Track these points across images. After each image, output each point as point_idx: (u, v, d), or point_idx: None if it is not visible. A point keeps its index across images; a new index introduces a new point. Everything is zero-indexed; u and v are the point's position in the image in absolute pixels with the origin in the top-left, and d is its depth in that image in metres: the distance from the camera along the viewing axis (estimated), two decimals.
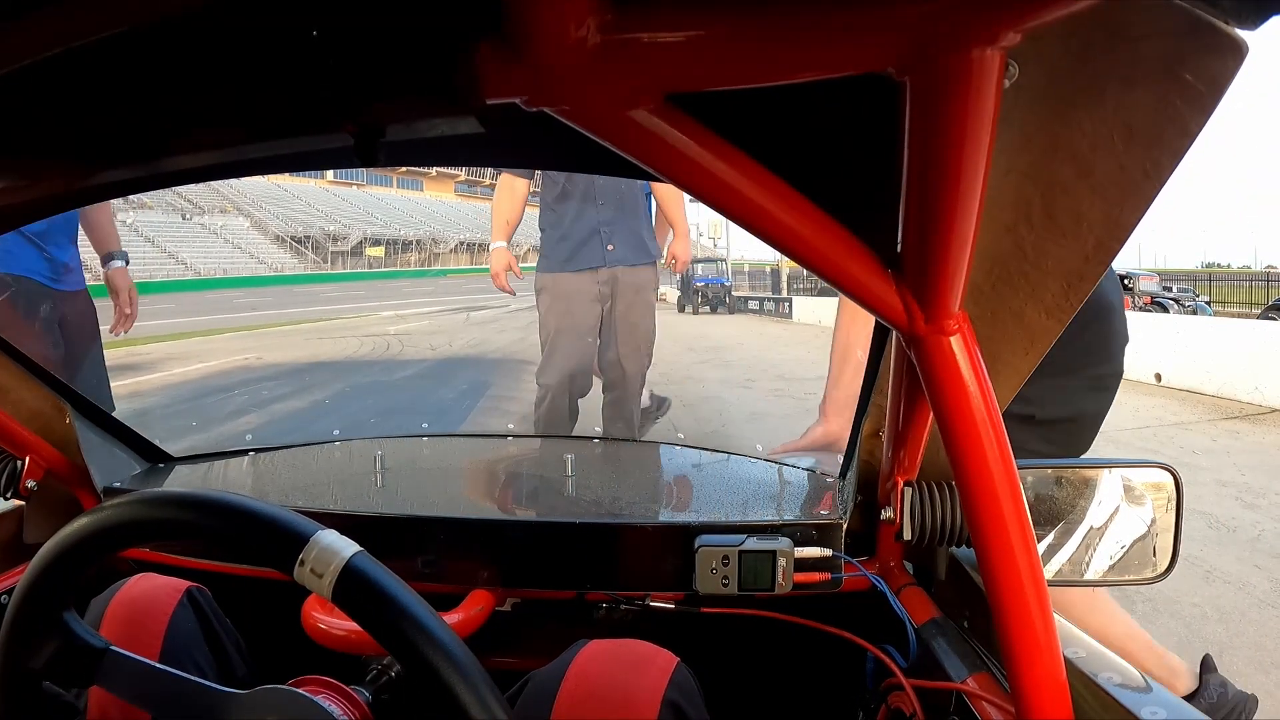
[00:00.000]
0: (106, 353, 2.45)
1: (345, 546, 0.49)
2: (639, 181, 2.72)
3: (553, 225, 2.78)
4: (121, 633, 0.74)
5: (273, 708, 0.53)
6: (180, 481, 1.17)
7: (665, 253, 3.03)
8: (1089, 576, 0.84)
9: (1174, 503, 0.83)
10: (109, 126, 0.48)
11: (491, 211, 2.85)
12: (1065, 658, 0.57)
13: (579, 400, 2.86)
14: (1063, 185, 0.53)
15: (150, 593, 0.78)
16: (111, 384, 2.51)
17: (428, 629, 0.48)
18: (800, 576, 0.90)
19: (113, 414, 1.16)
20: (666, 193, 2.94)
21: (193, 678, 0.55)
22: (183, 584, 0.80)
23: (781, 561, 0.89)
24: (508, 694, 0.72)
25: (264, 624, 0.92)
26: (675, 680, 0.67)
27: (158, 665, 0.56)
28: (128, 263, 2.46)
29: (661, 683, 0.66)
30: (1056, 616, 0.56)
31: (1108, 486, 0.85)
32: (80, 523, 0.53)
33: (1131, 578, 0.85)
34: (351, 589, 0.48)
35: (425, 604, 0.49)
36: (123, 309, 2.42)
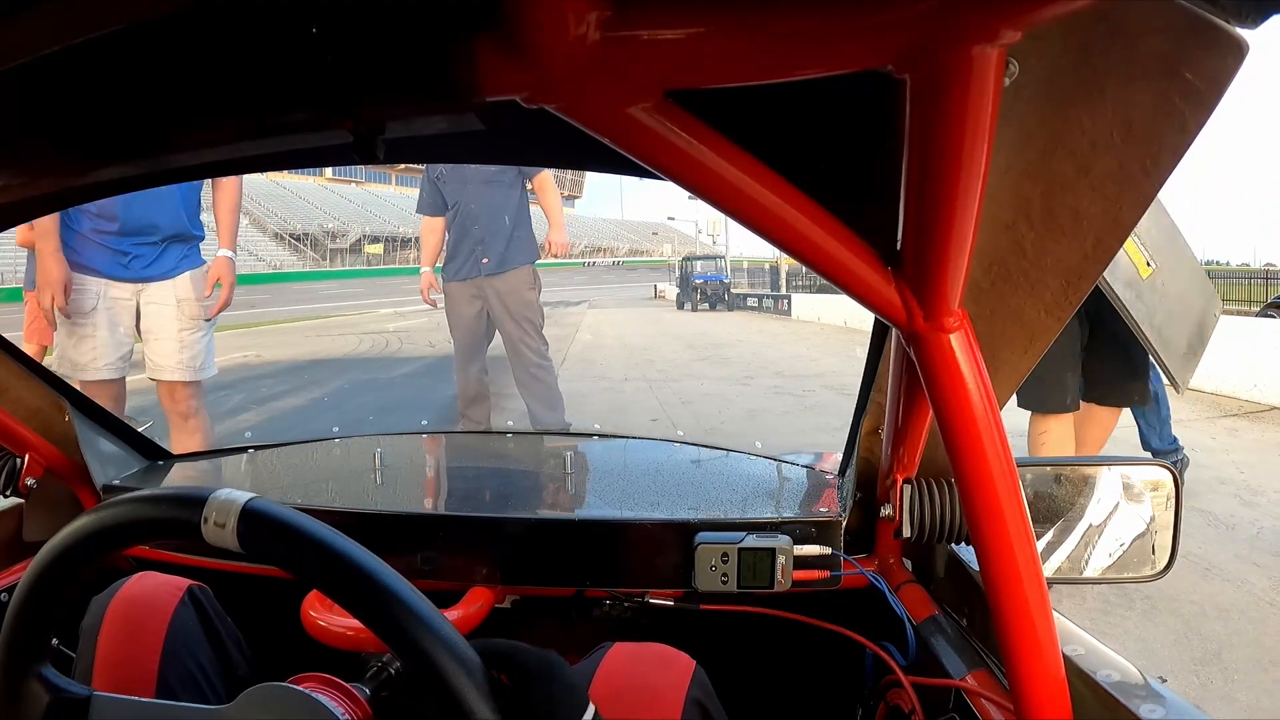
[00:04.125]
0: None
1: (242, 495, 0.50)
2: (516, 195, 3.43)
3: (448, 244, 3.50)
4: (122, 632, 0.74)
5: (272, 705, 0.53)
6: (180, 479, 1.17)
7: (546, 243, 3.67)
8: (1088, 574, 0.84)
9: (1173, 501, 0.83)
10: (107, 123, 0.48)
11: (420, 245, 3.66)
12: (1064, 655, 0.57)
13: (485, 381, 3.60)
14: (1062, 183, 0.53)
15: (151, 591, 0.78)
16: None
17: (338, 550, 0.48)
18: (799, 574, 0.90)
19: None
20: (540, 186, 3.58)
21: (181, 704, 0.56)
22: (184, 582, 0.80)
23: (781, 559, 0.89)
24: None
25: (264, 622, 0.93)
26: (697, 680, 0.69)
27: (143, 700, 0.57)
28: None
29: (685, 682, 0.68)
30: (1056, 614, 0.56)
31: (1107, 484, 0.85)
32: (32, 569, 0.53)
33: (1131, 575, 0.85)
34: (255, 531, 0.49)
35: (331, 528, 0.49)
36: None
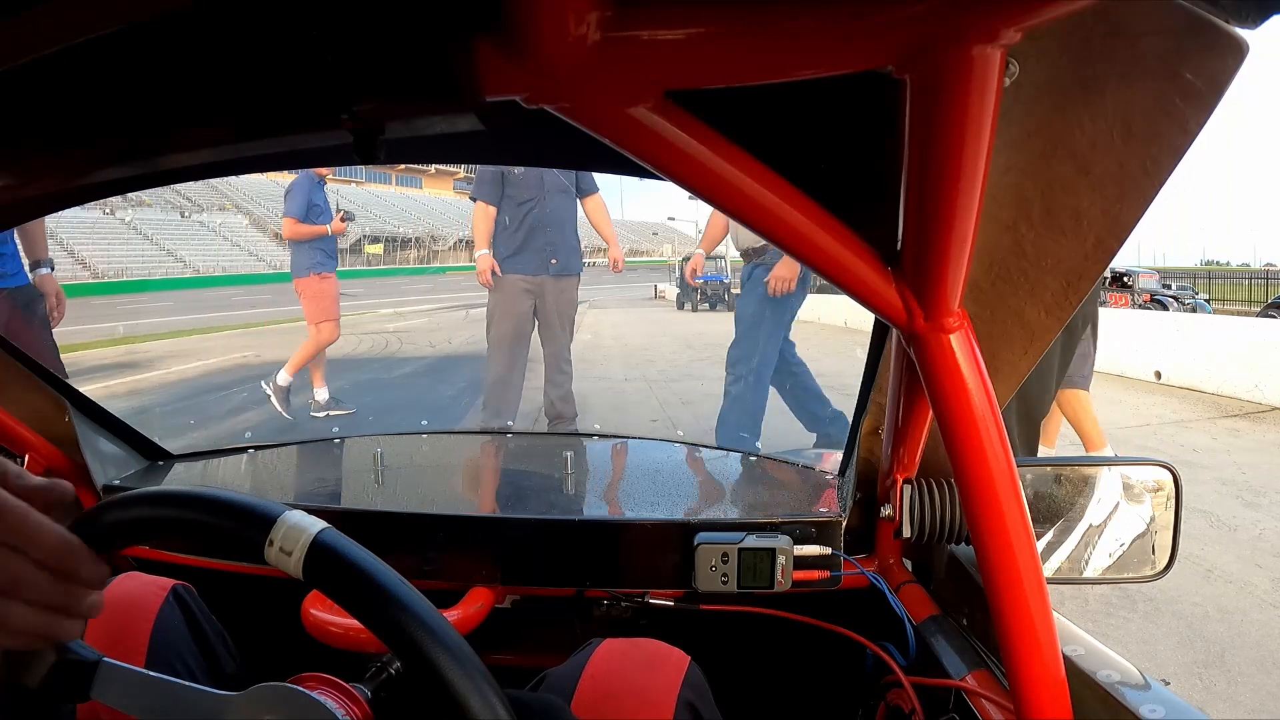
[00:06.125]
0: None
1: (313, 524, 0.49)
2: (576, 208, 3.74)
3: (508, 242, 3.66)
4: (107, 633, 0.73)
5: (272, 705, 0.53)
6: (179, 479, 1.17)
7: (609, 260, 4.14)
8: (1088, 574, 0.84)
9: (1173, 501, 0.83)
10: (108, 124, 0.48)
11: (473, 230, 3.80)
12: (1064, 655, 0.57)
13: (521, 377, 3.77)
14: (1062, 183, 0.53)
15: (135, 592, 0.78)
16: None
17: (400, 599, 0.47)
18: (799, 574, 0.90)
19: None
20: (594, 211, 3.86)
21: (188, 683, 0.55)
22: (168, 582, 0.80)
23: (781, 559, 0.89)
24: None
25: (264, 622, 0.93)
26: (689, 679, 0.68)
27: (151, 673, 0.56)
28: (53, 269, 2.53)
29: (676, 681, 0.67)
30: (1056, 614, 0.56)
31: (1107, 484, 0.85)
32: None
33: (1131, 575, 0.85)
34: (321, 564, 0.48)
35: (398, 576, 0.49)
36: (51, 309, 2.49)
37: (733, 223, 3.47)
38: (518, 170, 3.58)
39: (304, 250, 4.74)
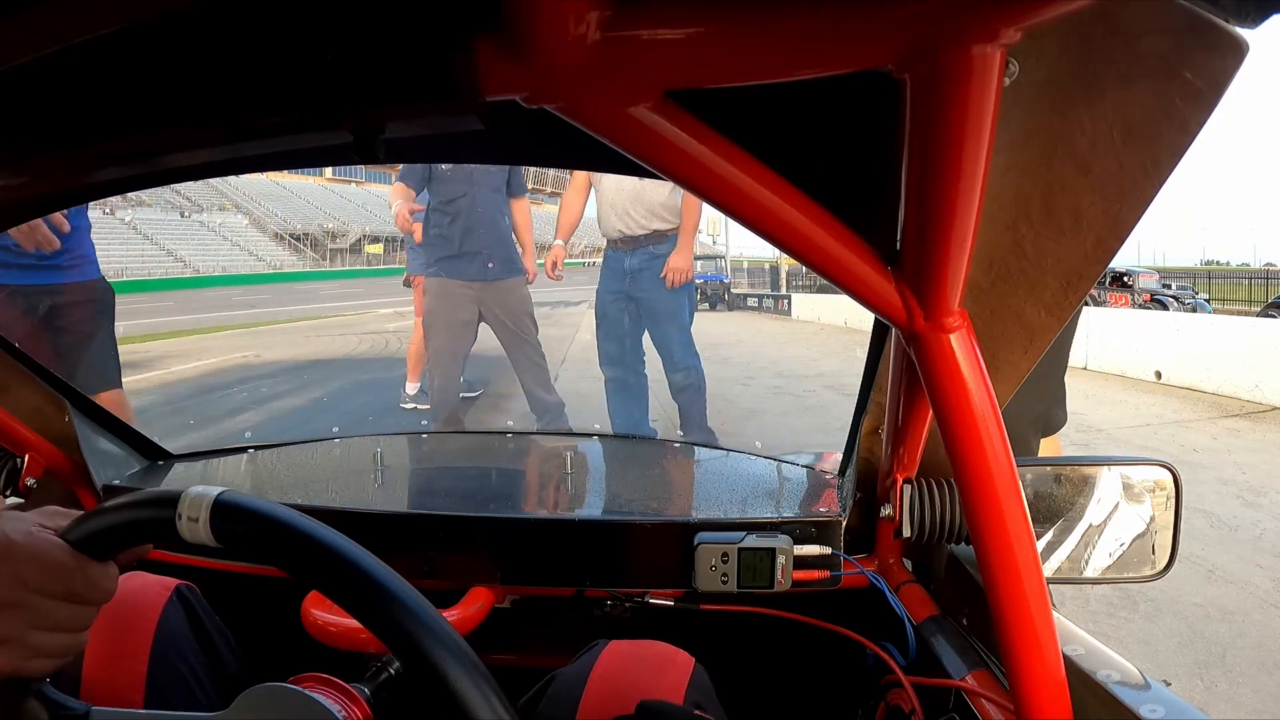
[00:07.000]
0: None
1: (214, 489, 0.50)
2: (508, 208, 3.51)
3: (442, 246, 3.45)
4: (111, 631, 0.73)
5: (271, 705, 0.53)
6: (180, 479, 1.17)
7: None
8: (1088, 574, 0.84)
9: (1173, 500, 0.83)
10: (107, 123, 0.48)
11: (390, 199, 3.55)
12: (1064, 655, 0.57)
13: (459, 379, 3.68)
14: (1062, 183, 0.53)
15: (139, 591, 0.78)
16: None
17: (313, 536, 0.48)
18: (799, 574, 0.90)
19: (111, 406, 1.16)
20: (517, 214, 3.61)
21: (178, 714, 0.55)
22: (172, 581, 0.80)
23: (781, 559, 0.89)
24: (530, 694, 0.73)
25: (264, 622, 0.93)
26: (695, 681, 0.69)
27: (140, 712, 0.56)
28: None
29: (683, 683, 0.68)
30: (1056, 614, 0.56)
31: (1107, 484, 0.85)
32: None
33: (1131, 575, 0.85)
34: (229, 523, 0.49)
35: (311, 518, 0.49)
36: None
37: (603, 206, 3.27)
38: (445, 168, 3.38)
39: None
